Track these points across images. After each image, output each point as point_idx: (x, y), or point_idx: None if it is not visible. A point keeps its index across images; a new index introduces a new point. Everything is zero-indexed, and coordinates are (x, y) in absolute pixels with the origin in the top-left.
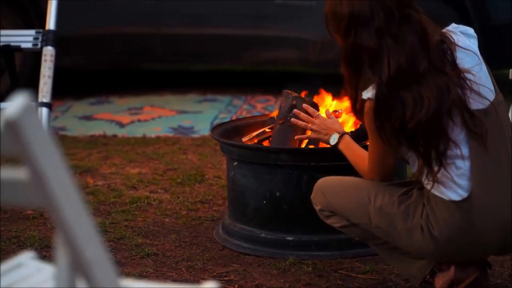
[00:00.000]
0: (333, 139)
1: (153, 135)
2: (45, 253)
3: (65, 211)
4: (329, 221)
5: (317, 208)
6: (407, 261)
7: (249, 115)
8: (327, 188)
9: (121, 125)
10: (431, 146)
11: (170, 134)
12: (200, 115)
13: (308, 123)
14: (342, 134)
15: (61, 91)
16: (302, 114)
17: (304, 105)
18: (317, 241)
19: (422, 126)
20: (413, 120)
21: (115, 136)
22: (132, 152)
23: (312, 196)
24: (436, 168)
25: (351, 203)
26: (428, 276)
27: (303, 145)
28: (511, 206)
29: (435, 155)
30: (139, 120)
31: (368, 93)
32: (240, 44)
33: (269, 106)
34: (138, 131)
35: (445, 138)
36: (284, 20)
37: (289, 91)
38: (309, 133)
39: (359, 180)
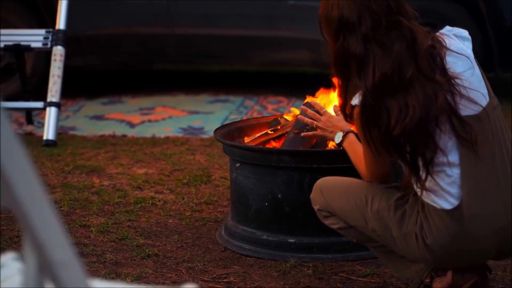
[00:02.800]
0: (338, 137)
1: (162, 136)
2: None
3: (32, 213)
4: (327, 222)
5: (315, 207)
6: (404, 264)
7: (259, 116)
8: (326, 189)
9: (131, 125)
10: (417, 153)
11: (180, 135)
12: (211, 116)
13: (314, 120)
14: (346, 133)
15: (74, 91)
16: (309, 111)
17: (312, 101)
18: (318, 243)
19: (408, 133)
20: (397, 127)
21: (124, 136)
22: (140, 153)
23: (311, 196)
24: (423, 176)
25: (349, 205)
26: (428, 280)
27: (312, 143)
28: (506, 211)
29: (422, 162)
30: (149, 121)
31: (355, 100)
32: (253, 45)
33: (280, 108)
34: (148, 131)
35: (432, 146)
36: (296, 21)
37: (312, 103)
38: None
39: (358, 181)
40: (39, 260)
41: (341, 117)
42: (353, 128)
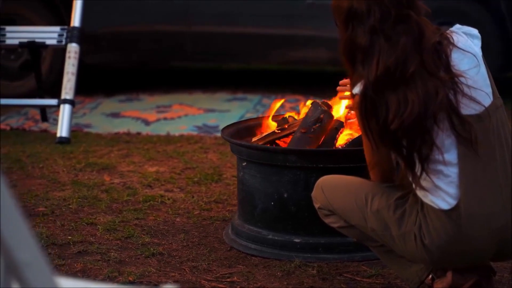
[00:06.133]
0: None
1: (177, 134)
2: (51, 251)
3: None
4: (327, 220)
5: (316, 206)
6: (404, 264)
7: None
8: (328, 187)
9: (147, 123)
10: (413, 148)
11: (194, 133)
12: (227, 114)
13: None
14: None
15: (92, 88)
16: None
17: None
18: (324, 243)
19: (405, 128)
20: (395, 121)
21: (139, 134)
22: (153, 151)
23: (312, 194)
24: (418, 173)
25: (349, 204)
26: (430, 281)
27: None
28: (505, 212)
29: (418, 158)
30: (165, 118)
31: (356, 89)
32: (270, 43)
33: (298, 106)
34: (163, 129)
35: (429, 142)
36: (314, 19)
37: (319, 103)
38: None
39: (359, 180)
40: (5, 260)
41: None
42: (356, 119)
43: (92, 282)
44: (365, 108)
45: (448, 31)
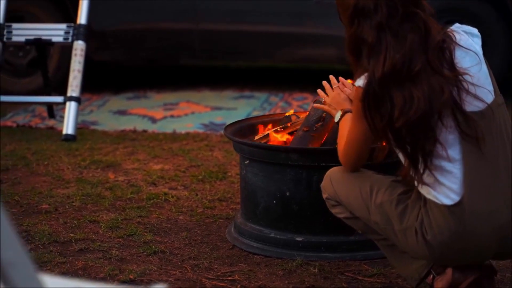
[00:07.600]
0: (337, 116)
1: (183, 131)
2: (52, 248)
3: None
4: (333, 211)
5: (324, 196)
6: (406, 260)
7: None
8: (335, 178)
9: (153, 120)
10: (417, 145)
11: (200, 131)
12: (233, 112)
13: (326, 94)
14: (345, 112)
15: (100, 85)
16: (327, 86)
17: (331, 76)
18: (326, 242)
19: (410, 125)
20: (401, 119)
21: (145, 131)
22: (158, 148)
23: (322, 184)
24: (421, 169)
25: (354, 196)
26: (431, 282)
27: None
28: (508, 210)
29: (421, 155)
30: (172, 116)
31: (359, 81)
32: (279, 41)
33: (305, 104)
34: (169, 127)
35: (433, 139)
36: (322, 17)
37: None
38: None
39: (367, 173)
40: None
41: (346, 96)
42: (352, 108)
43: (83, 281)
44: (368, 102)
45: (448, 30)
